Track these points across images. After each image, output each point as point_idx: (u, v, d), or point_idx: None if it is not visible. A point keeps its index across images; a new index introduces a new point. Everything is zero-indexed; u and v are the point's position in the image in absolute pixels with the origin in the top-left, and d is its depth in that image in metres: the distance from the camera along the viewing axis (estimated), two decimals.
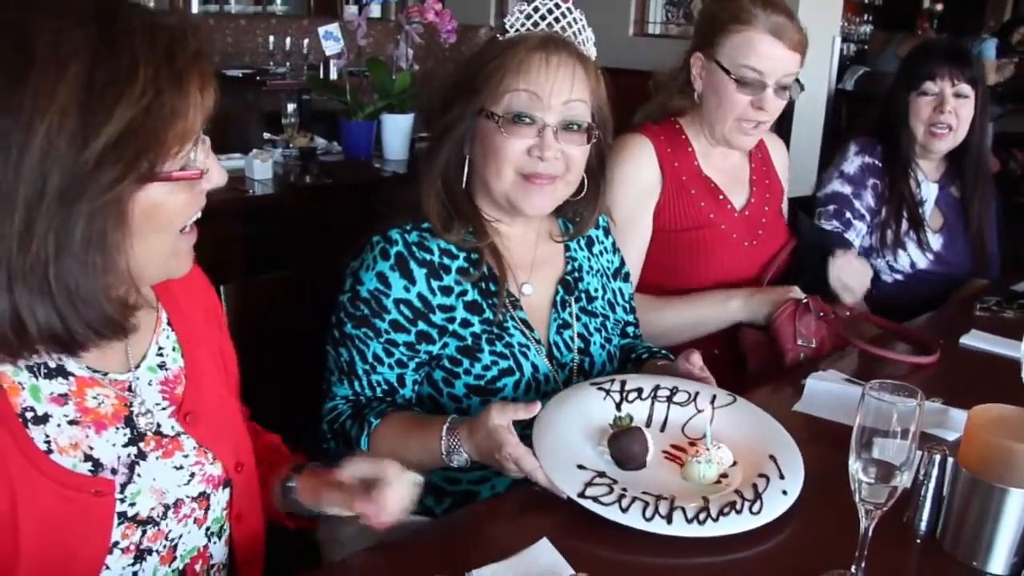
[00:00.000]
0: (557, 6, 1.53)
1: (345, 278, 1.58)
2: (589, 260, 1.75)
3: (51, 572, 1.02)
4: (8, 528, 0.99)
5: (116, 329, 1.02)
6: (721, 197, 2.12)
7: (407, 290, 1.52)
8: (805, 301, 1.98)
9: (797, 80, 2.03)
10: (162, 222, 1.02)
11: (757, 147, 2.23)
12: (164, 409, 1.16)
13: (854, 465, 1.09)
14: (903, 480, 1.07)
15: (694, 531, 1.21)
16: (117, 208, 0.94)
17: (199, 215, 1.08)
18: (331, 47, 3.63)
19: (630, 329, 1.84)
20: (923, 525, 1.27)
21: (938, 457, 1.25)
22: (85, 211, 0.92)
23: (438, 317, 1.54)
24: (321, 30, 3.64)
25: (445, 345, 1.55)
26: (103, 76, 0.91)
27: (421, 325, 1.53)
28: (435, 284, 1.54)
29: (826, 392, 1.68)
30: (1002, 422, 1.20)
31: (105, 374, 1.11)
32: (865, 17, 9.63)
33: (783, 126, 4.76)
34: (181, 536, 1.16)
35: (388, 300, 1.52)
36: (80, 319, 0.97)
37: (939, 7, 9.92)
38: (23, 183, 0.90)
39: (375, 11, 3.99)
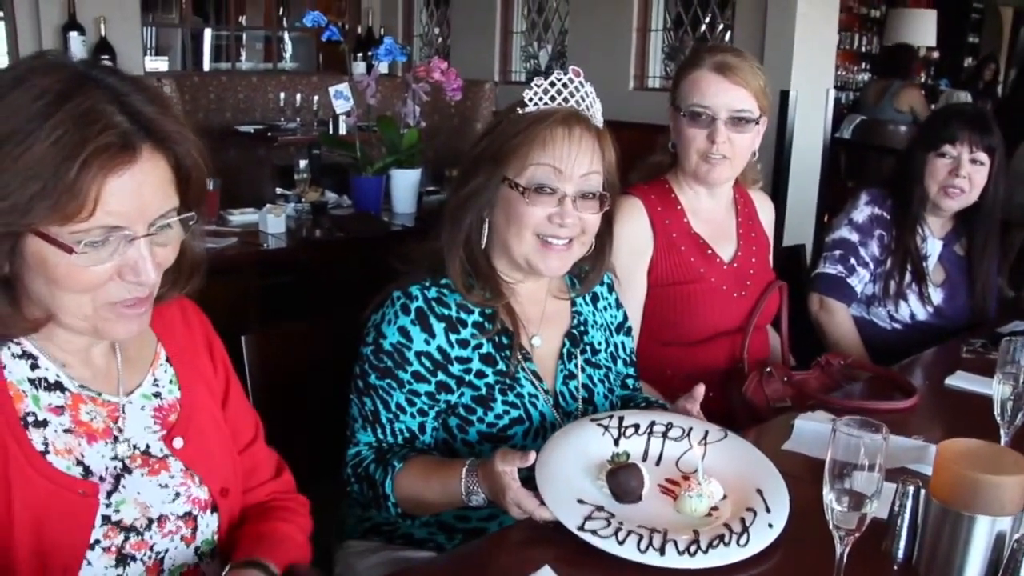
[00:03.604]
0: (571, 80, 1.64)
1: (367, 331, 1.67)
2: (594, 315, 1.86)
3: (38, 558, 1.15)
4: (4, 515, 1.13)
5: (28, 329, 1.17)
6: (710, 251, 2.24)
7: (427, 343, 1.62)
8: (768, 370, 2.12)
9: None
10: (57, 279, 1.11)
11: (744, 201, 2.35)
12: (155, 432, 1.29)
13: (828, 495, 1.18)
14: (872, 508, 1.17)
15: (685, 563, 1.29)
16: (10, 241, 1.08)
17: (130, 295, 1.16)
18: (341, 106, 3.75)
19: (630, 381, 1.94)
20: (900, 553, 1.35)
21: (911, 489, 1.34)
22: None
23: (456, 368, 1.64)
24: (332, 90, 3.75)
25: (461, 394, 1.65)
26: (21, 129, 1.05)
27: (440, 376, 1.63)
28: (453, 337, 1.64)
29: (813, 432, 1.77)
30: (969, 454, 1.29)
31: (99, 394, 1.25)
32: (863, 66, 9.83)
33: (780, 175, 4.89)
34: (167, 551, 1.27)
35: (410, 353, 1.62)
36: None
37: (935, 55, 10.13)
38: None
39: (383, 67, 4.10)
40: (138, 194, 1.11)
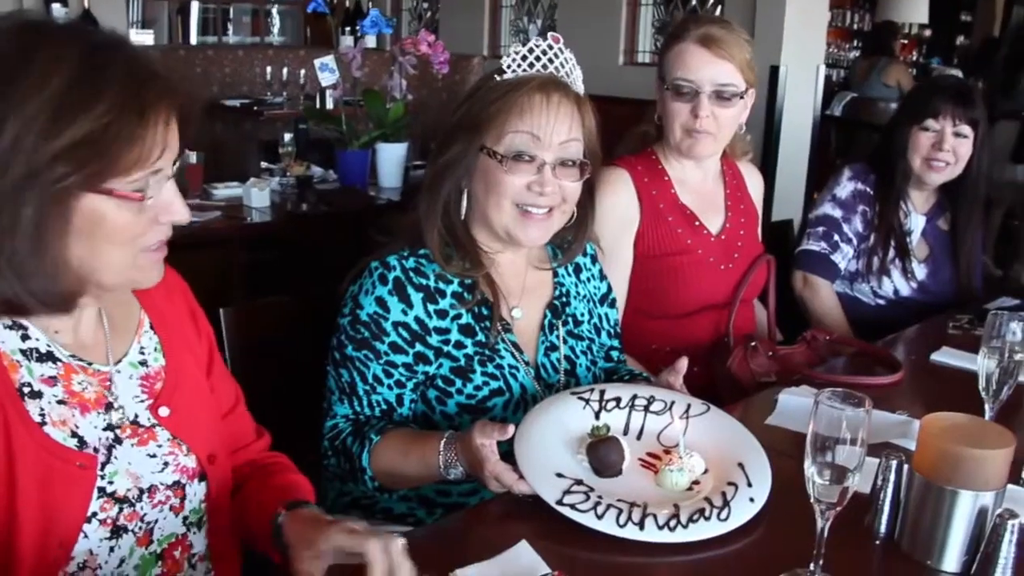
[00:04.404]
0: (550, 47, 1.61)
1: (345, 302, 1.65)
2: (576, 286, 1.83)
3: (36, 531, 1.13)
4: (6, 487, 1.11)
5: (60, 305, 1.16)
6: (697, 223, 2.22)
7: (405, 313, 1.60)
8: (754, 344, 2.11)
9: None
10: (108, 235, 1.13)
11: (731, 173, 2.33)
12: (142, 401, 1.28)
13: (810, 468, 1.17)
14: (854, 481, 1.15)
15: (664, 537, 1.28)
16: (61, 204, 1.08)
17: (164, 236, 1.20)
18: (327, 78, 3.72)
19: (614, 353, 1.92)
20: (883, 528, 1.34)
21: (894, 463, 1.33)
22: (35, 198, 1.06)
23: (434, 339, 1.62)
24: (317, 62, 3.72)
25: (440, 366, 1.63)
26: (77, 91, 1.06)
27: (418, 347, 1.61)
28: (431, 308, 1.62)
29: (797, 406, 1.75)
30: (952, 429, 1.28)
31: (90, 364, 1.23)
32: (854, 43, 9.80)
33: (770, 152, 4.87)
34: (157, 521, 1.26)
35: (387, 323, 1.59)
36: (26, 290, 1.10)
37: (927, 33, 10.09)
38: None
39: (370, 42, 4.06)
40: (176, 137, 1.15)
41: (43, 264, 1.10)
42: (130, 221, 1.14)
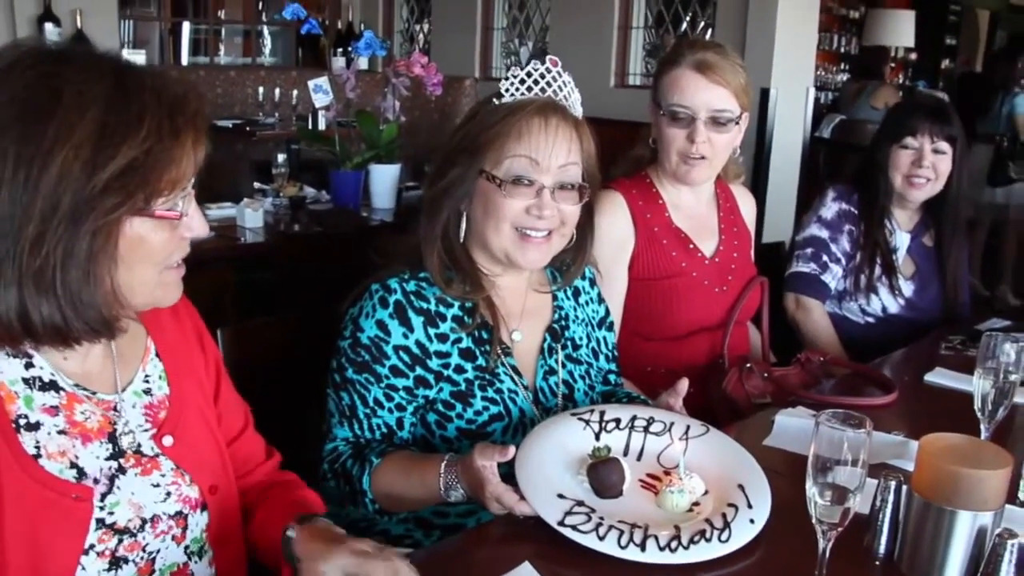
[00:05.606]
0: (548, 70, 1.62)
1: (345, 325, 1.65)
2: (575, 309, 1.84)
3: (28, 565, 1.12)
4: None
5: (107, 331, 1.17)
6: (691, 246, 2.23)
7: (406, 337, 1.60)
8: (749, 366, 2.12)
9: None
10: (145, 255, 1.15)
11: (724, 196, 2.35)
12: (146, 431, 1.27)
13: (811, 489, 1.17)
14: (855, 502, 1.16)
15: (666, 558, 1.28)
16: (111, 233, 1.09)
17: (184, 253, 1.22)
18: (320, 99, 3.72)
19: (611, 377, 1.92)
20: (882, 548, 1.35)
21: (893, 484, 1.34)
22: (89, 230, 1.07)
23: (434, 363, 1.62)
24: (311, 83, 3.73)
25: (440, 390, 1.63)
26: (115, 120, 1.08)
27: (419, 370, 1.61)
28: (432, 331, 1.62)
29: (794, 427, 1.76)
30: (950, 449, 1.28)
31: (94, 393, 1.22)
32: (842, 66, 9.87)
33: (760, 173, 4.90)
34: (159, 551, 1.25)
35: (388, 347, 1.59)
36: (79, 318, 1.11)
37: (913, 56, 10.18)
38: (40, 199, 1.05)
39: (362, 63, 4.08)
40: (203, 154, 1.18)
41: (94, 292, 1.11)
42: (166, 240, 1.16)
